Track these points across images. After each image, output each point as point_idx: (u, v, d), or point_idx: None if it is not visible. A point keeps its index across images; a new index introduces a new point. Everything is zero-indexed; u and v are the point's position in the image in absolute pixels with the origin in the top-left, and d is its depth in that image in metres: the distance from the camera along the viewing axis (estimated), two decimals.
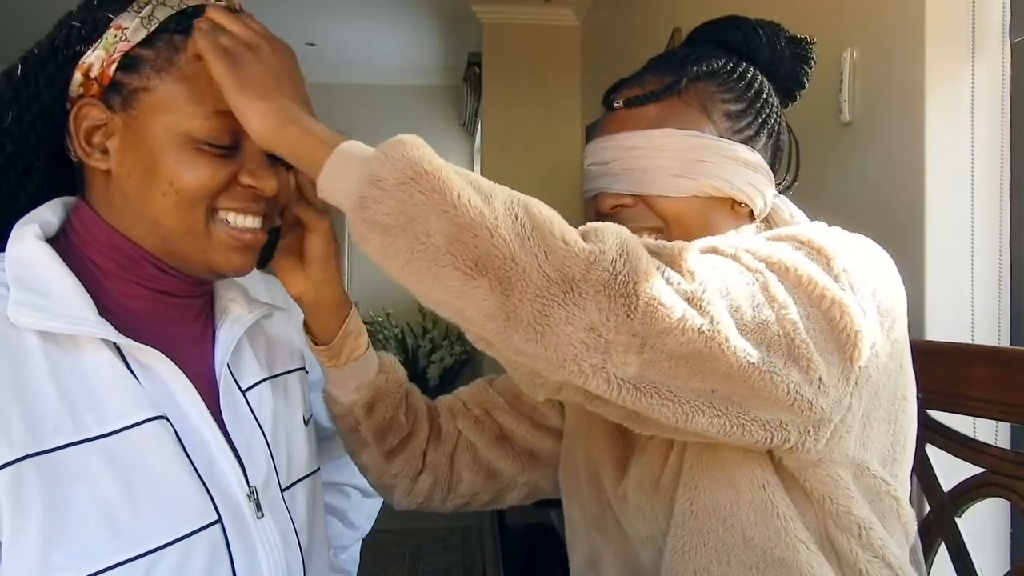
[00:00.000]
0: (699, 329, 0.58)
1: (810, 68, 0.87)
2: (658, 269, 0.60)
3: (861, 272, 0.67)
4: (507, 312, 0.57)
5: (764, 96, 0.81)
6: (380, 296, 5.71)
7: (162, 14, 0.69)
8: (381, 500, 1.13)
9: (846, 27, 1.34)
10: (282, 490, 0.77)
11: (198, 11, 0.69)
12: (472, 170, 3.98)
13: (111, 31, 0.69)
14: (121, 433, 0.64)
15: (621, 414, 0.65)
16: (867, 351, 0.66)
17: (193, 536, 0.66)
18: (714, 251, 0.66)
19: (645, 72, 0.82)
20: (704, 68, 0.79)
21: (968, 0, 1.14)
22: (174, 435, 0.67)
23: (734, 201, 0.79)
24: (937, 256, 1.15)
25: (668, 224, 0.77)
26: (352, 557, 1.09)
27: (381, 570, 3.29)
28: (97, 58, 0.68)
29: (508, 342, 0.59)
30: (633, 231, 0.76)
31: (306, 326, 0.85)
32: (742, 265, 0.65)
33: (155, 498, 0.64)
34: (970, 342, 1.12)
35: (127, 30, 0.68)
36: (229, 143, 0.70)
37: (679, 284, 0.60)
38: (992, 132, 1.16)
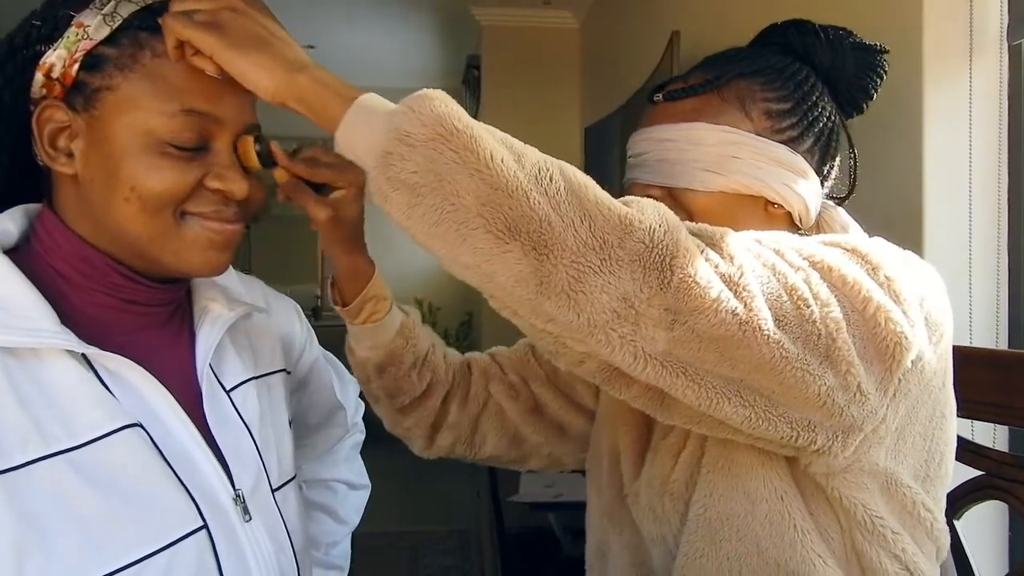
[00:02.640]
0: (734, 312, 0.56)
1: (879, 78, 0.84)
2: (697, 247, 0.58)
3: (908, 282, 0.65)
4: (540, 277, 0.55)
5: (814, 99, 0.79)
6: None
7: (125, 10, 0.66)
8: (368, 492, 1.13)
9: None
10: (273, 491, 0.76)
11: (163, 6, 0.66)
12: None
13: (73, 29, 0.65)
14: (93, 444, 0.61)
15: (643, 399, 0.62)
16: (908, 362, 0.63)
17: (178, 544, 0.64)
18: (757, 243, 0.64)
19: (695, 68, 0.82)
20: (747, 66, 0.78)
21: (966, 3, 1.14)
22: (150, 442, 0.65)
23: (767, 202, 0.77)
24: (935, 258, 1.15)
25: (694, 219, 0.75)
26: (344, 551, 1.08)
27: (379, 573, 3.29)
28: (58, 57, 0.65)
29: (538, 308, 0.56)
30: None
31: (331, 284, 0.87)
32: (785, 260, 0.63)
33: (135, 508, 0.62)
34: (968, 345, 1.12)
35: (89, 27, 0.65)
36: (196, 144, 0.66)
37: (718, 265, 0.58)
38: (990, 134, 1.16)
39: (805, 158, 0.78)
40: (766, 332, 0.57)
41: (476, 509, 3.87)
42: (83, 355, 0.64)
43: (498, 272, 0.56)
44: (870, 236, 0.85)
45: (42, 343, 0.62)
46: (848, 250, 0.66)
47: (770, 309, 0.58)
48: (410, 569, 3.35)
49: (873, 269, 0.64)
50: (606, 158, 2.87)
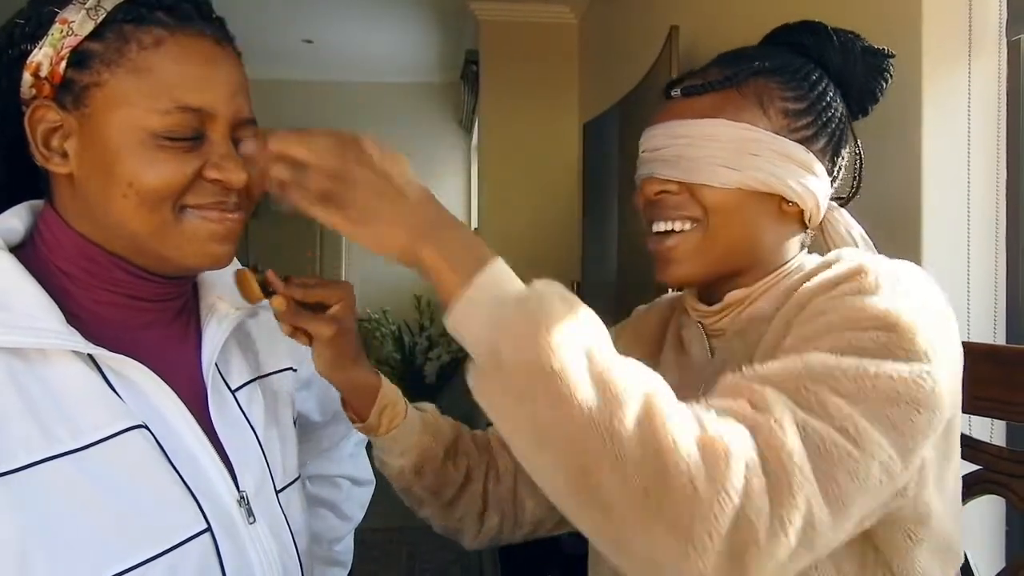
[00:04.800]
0: (808, 546, 0.56)
1: (886, 82, 0.85)
2: (773, 527, 0.53)
3: (943, 349, 0.64)
4: (610, 537, 0.55)
5: (827, 100, 0.79)
6: (377, 294, 5.71)
7: (109, 4, 0.65)
8: (372, 488, 1.13)
9: (843, 26, 1.34)
10: (277, 492, 0.76)
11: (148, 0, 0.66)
12: (469, 169, 3.93)
13: (57, 26, 0.64)
14: (98, 445, 0.61)
15: None
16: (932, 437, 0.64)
17: (182, 547, 0.63)
18: (794, 405, 0.59)
19: (710, 65, 0.82)
20: (766, 64, 0.78)
21: None
22: (155, 444, 0.65)
23: (782, 200, 0.77)
24: (933, 254, 1.15)
25: (708, 214, 0.76)
26: (347, 547, 1.08)
27: (379, 568, 3.29)
28: (45, 56, 0.64)
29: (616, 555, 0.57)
30: (673, 218, 0.77)
31: (343, 403, 0.84)
32: (843, 435, 0.58)
33: (139, 510, 0.62)
34: (966, 340, 1.12)
35: (73, 23, 0.64)
36: (191, 135, 0.65)
37: (792, 532, 0.54)
38: (988, 130, 1.16)
39: (817, 157, 0.78)
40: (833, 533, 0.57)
41: None
42: (89, 355, 0.64)
43: (572, 510, 0.57)
44: (869, 235, 0.85)
45: (48, 344, 0.61)
46: (883, 331, 0.63)
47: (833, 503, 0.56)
48: (409, 564, 3.36)
49: (908, 355, 0.62)
50: (605, 153, 2.87)
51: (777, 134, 0.76)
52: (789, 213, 0.78)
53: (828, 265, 0.75)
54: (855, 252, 0.78)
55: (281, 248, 5.44)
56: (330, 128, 0.63)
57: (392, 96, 5.72)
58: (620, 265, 2.62)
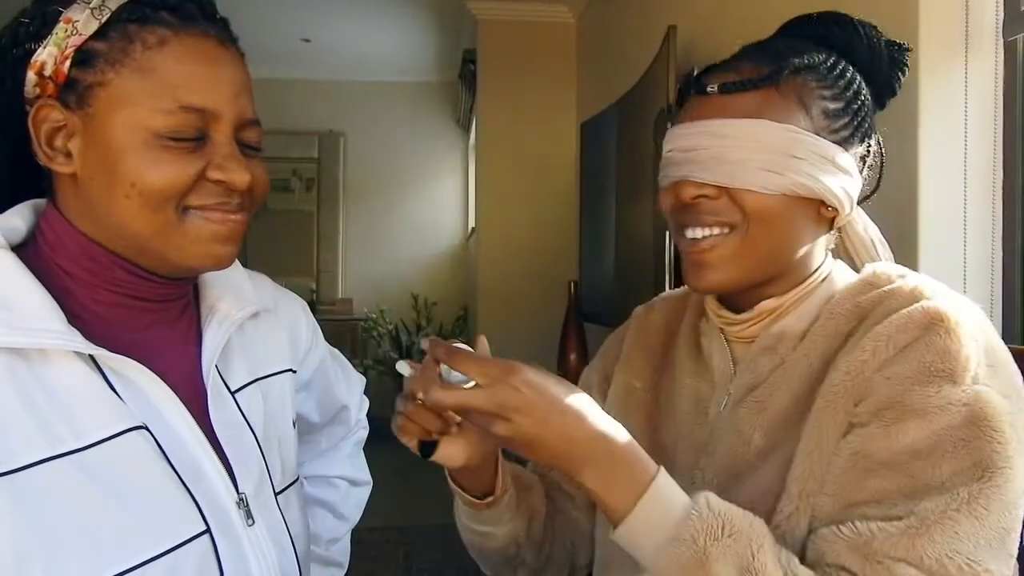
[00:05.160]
0: None
1: (903, 75, 0.82)
2: None
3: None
4: None
5: (862, 98, 0.76)
6: (374, 293, 5.71)
7: (113, 3, 0.65)
8: (369, 489, 1.12)
9: None
10: (276, 494, 0.75)
11: None
12: (467, 168, 3.92)
13: (61, 25, 0.64)
14: (98, 446, 0.61)
15: None
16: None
17: (180, 548, 0.63)
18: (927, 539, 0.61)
19: (739, 59, 0.77)
20: (805, 61, 0.74)
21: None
22: (155, 445, 0.65)
23: (821, 204, 0.74)
24: (930, 253, 1.15)
25: (749, 220, 0.72)
26: (344, 548, 1.08)
27: (375, 567, 3.29)
28: (49, 55, 0.64)
29: None
30: (710, 224, 0.73)
31: (452, 476, 0.81)
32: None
33: (138, 511, 0.62)
34: None
35: (78, 23, 0.64)
36: (194, 136, 0.65)
37: None
38: (985, 130, 1.16)
39: (852, 158, 0.75)
40: None
41: None
42: (90, 356, 0.64)
43: None
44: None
45: (49, 344, 0.61)
46: (973, 425, 0.63)
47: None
48: (404, 564, 3.35)
49: (1001, 455, 0.62)
50: (602, 153, 2.87)
51: (817, 135, 0.73)
52: (826, 217, 0.75)
53: (871, 286, 0.73)
54: (893, 268, 0.76)
55: (277, 243, 5.44)
56: (483, 364, 0.64)
57: (390, 95, 5.72)
58: (617, 264, 2.62)
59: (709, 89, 0.75)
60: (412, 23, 4.60)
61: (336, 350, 1.07)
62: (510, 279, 3.98)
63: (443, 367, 0.67)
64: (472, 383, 0.64)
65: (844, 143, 0.74)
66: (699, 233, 0.74)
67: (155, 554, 0.62)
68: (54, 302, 0.63)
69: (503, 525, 0.83)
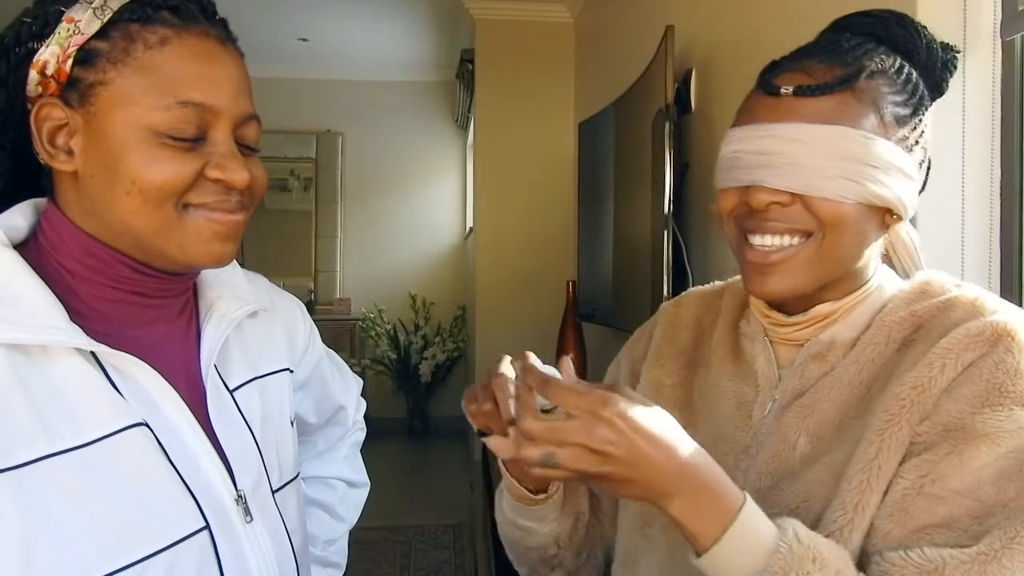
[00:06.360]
0: None
1: (951, 77, 0.79)
2: None
3: None
4: None
5: (925, 103, 0.74)
6: (372, 292, 5.71)
7: (116, 3, 0.66)
8: (367, 490, 1.13)
9: None
10: (273, 492, 0.76)
11: None
12: (465, 167, 3.92)
13: (64, 24, 0.65)
14: (99, 443, 0.62)
15: None
16: None
17: (180, 544, 0.64)
18: None
19: (807, 58, 0.74)
20: (877, 65, 0.72)
21: None
22: (156, 442, 0.65)
23: (887, 212, 0.72)
24: (928, 252, 1.15)
25: (824, 229, 0.70)
26: (341, 549, 1.08)
27: (373, 567, 3.29)
28: (52, 54, 0.65)
29: None
30: (782, 232, 0.71)
31: (505, 465, 0.81)
32: None
33: (139, 507, 0.63)
34: None
35: (80, 22, 0.65)
36: (194, 135, 0.66)
37: None
38: (983, 130, 1.16)
39: (915, 164, 0.74)
40: None
41: (469, 503, 3.87)
42: (92, 352, 0.64)
43: None
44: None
45: (51, 340, 0.61)
46: None
47: None
48: (403, 563, 3.36)
49: None
50: (600, 153, 2.87)
51: (889, 142, 0.71)
52: (889, 225, 0.74)
53: (926, 295, 0.73)
54: (946, 277, 0.75)
55: (275, 243, 5.44)
56: (576, 395, 0.61)
57: (388, 95, 5.72)
58: (616, 264, 2.62)
59: (783, 91, 0.72)
60: (410, 23, 4.59)
61: (333, 351, 1.07)
62: (508, 278, 3.98)
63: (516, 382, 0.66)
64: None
65: (909, 149, 0.72)
66: (768, 241, 0.72)
67: (155, 550, 0.63)
68: (56, 299, 0.64)
69: (548, 523, 0.83)
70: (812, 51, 0.74)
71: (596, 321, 2.79)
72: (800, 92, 0.71)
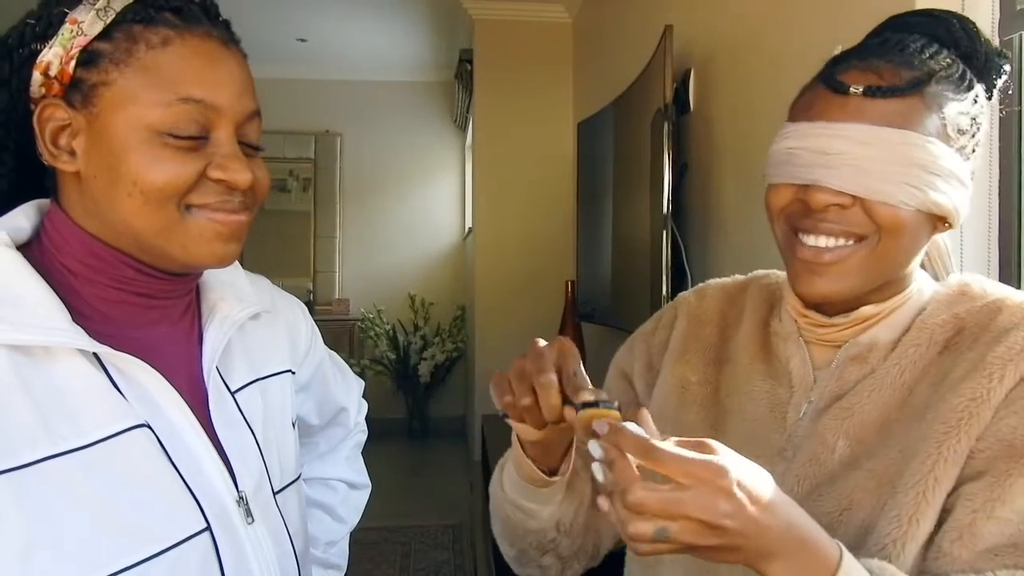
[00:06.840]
0: None
1: (1000, 80, 0.77)
2: None
3: None
4: None
5: (983, 111, 0.73)
6: (372, 293, 5.71)
7: (119, 4, 0.66)
8: (368, 492, 1.13)
9: (836, 24, 1.34)
10: (275, 493, 0.76)
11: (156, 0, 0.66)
12: (464, 167, 3.93)
13: (67, 26, 0.65)
14: (101, 444, 0.62)
15: None
16: None
17: (182, 545, 0.64)
18: None
19: (873, 56, 0.71)
20: (944, 71, 0.70)
21: None
22: (158, 443, 0.65)
23: (939, 219, 0.71)
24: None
25: (882, 234, 0.69)
26: (342, 550, 1.08)
27: (372, 567, 3.29)
28: (55, 55, 0.66)
29: None
30: (838, 234, 0.69)
31: (523, 445, 0.78)
32: None
33: (140, 508, 0.63)
34: None
35: (83, 23, 0.65)
36: (196, 133, 0.66)
37: None
38: (981, 129, 1.16)
39: (969, 173, 0.73)
40: None
41: (469, 503, 3.87)
42: (94, 354, 0.64)
43: None
44: None
45: (53, 341, 0.61)
46: None
47: None
48: (403, 563, 3.36)
49: None
50: (599, 153, 2.87)
51: (951, 149, 0.69)
52: (939, 232, 0.73)
53: (966, 297, 0.73)
54: (985, 280, 0.75)
55: (275, 243, 5.43)
56: (687, 463, 0.55)
57: (387, 95, 5.71)
58: (615, 263, 2.62)
59: (853, 90, 0.69)
60: (409, 23, 4.59)
61: (335, 353, 1.07)
62: (507, 278, 3.99)
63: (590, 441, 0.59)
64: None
65: (967, 157, 0.72)
66: (823, 242, 0.70)
67: (157, 551, 0.63)
68: (58, 300, 0.64)
69: (552, 506, 0.82)
70: (879, 50, 0.72)
71: (595, 321, 2.79)
72: (870, 93, 0.68)
